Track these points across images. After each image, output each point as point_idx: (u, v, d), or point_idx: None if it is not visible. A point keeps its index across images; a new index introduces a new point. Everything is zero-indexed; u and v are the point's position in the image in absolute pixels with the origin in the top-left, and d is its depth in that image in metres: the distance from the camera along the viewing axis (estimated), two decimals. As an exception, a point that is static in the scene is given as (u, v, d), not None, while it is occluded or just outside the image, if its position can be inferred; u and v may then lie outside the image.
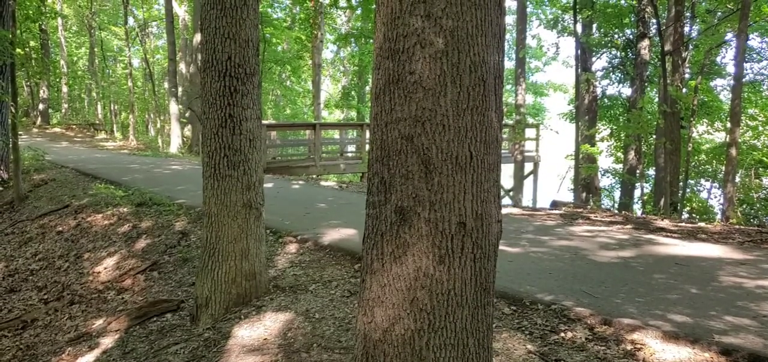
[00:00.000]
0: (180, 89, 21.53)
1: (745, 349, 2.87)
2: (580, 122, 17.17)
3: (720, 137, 18.10)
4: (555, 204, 10.32)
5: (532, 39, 30.74)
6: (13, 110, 9.76)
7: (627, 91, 19.10)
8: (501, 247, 2.41)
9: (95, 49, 29.77)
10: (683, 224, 6.88)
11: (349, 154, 16.04)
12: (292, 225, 6.19)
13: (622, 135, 16.48)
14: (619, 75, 19.54)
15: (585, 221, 6.85)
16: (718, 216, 11.61)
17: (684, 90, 12.79)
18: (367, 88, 26.85)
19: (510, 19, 27.38)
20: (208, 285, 4.04)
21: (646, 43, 16.27)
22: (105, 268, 5.97)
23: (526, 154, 19.10)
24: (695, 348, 2.95)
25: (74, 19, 31.43)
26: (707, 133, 19.16)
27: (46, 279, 6.27)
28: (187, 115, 21.03)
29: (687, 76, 15.46)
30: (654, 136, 14.07)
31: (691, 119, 13.29)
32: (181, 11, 23.02)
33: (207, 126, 4.04)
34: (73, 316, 5.16)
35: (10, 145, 10.18)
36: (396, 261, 1.84)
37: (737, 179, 12.74)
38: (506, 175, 19.26)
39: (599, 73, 19.84)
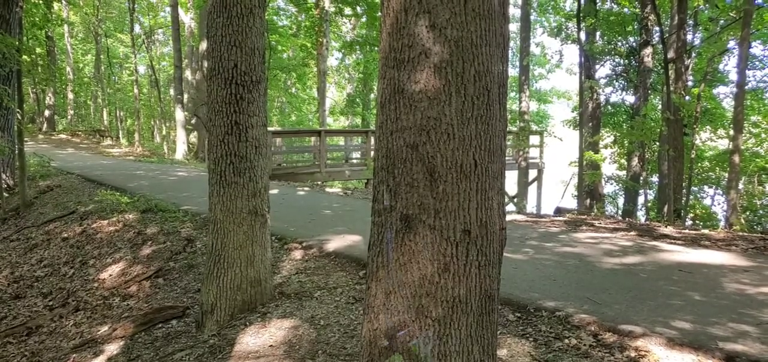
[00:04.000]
0: (186, 96, 21.65)
1: (748, 356, 2.88)
2: (584, 129, 17.15)
3: (723, 144, 18.07)
4: (559, 211, 10.32)
5: (536, 47, 30.91)
6: (19, 116, 9.83)
7: (630, 98, 19.11)
8: (505, 254, 2.43)
9: (101, 56, 29.97)
10: (687, 231, 6.87)
11: (354, 161, 16.07)
12: (297, 232, 6.21)
13: (625, 142, 16.48)
14: (623, 82, 19.54)
15: (589, 228, 6.85)
16: (722, 223, 11.58)
17: (687, 97, 12.79)
18: (372, 95, 26.94)
19: (514, 27, 27.45)
20: (213, 292, 4.06)
21: (649, 50, 16.29)
22: (110, 275, 6.00)
23: (530, 160, 19.11)
24: (699, 354, 2.96)
25: (80, 26, 31.65)
26: (710, 140, 19.14)
27: (52, 286, 6.30)
28: (192, 121, 21.15)
29: (690, 83, 15.48)
30: (657, 143, 14.08)
31: (694, 126, 13.29)
32: (187, 19, 23.15)
33: (213, 133, 4.07)
34: (78, 323, 5.18)
35: (16, 151, 10.26)
36: (401, 269, 1.86)
37: (740, 186, 12.73)
38: (510, 181, 19.26)
39: (603, 81, 19.85)
